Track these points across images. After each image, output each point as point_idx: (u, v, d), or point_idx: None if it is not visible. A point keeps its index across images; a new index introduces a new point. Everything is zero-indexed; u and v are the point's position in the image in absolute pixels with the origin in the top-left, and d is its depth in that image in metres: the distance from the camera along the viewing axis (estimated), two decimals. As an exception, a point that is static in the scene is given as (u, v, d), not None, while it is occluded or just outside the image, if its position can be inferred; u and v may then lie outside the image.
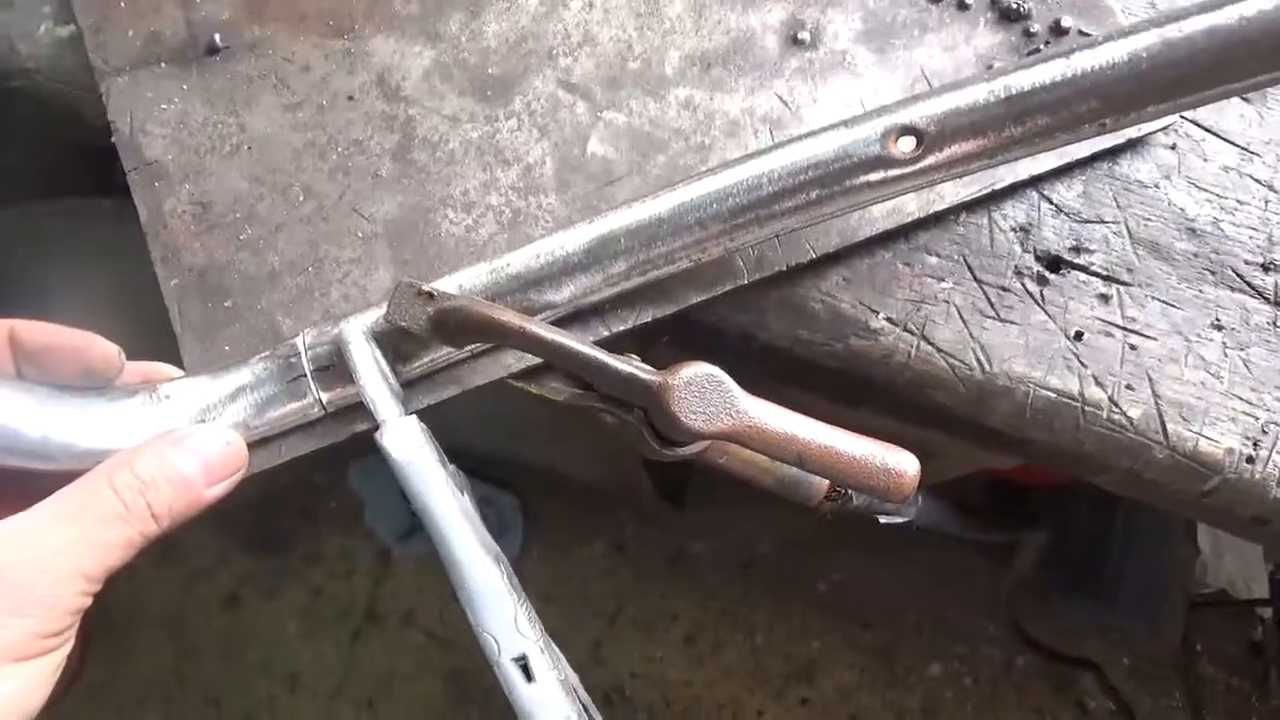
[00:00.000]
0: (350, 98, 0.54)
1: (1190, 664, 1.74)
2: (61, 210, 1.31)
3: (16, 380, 0.43)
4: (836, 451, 0.45)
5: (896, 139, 0.47)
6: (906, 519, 0.54)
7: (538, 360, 0.51)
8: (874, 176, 0.47)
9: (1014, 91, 0.44)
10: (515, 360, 0.51)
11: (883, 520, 0.54)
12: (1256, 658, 1.70)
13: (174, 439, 0.44)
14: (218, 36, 0.54)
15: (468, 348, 0.50)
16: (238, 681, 1.80)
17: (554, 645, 0.48)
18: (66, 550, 0.39)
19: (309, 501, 1.84)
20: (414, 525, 1.79)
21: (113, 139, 0.52)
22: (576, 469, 1.67)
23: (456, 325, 0.46)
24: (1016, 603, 1.46)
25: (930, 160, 0.46)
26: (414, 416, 0.46)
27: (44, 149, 1.35)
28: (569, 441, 1.55)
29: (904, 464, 0.45)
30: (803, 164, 0.48)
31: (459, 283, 0.49)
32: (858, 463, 0.45)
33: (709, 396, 0.45)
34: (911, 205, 0.52)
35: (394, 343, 0.48)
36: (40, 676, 0.39)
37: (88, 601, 0.40)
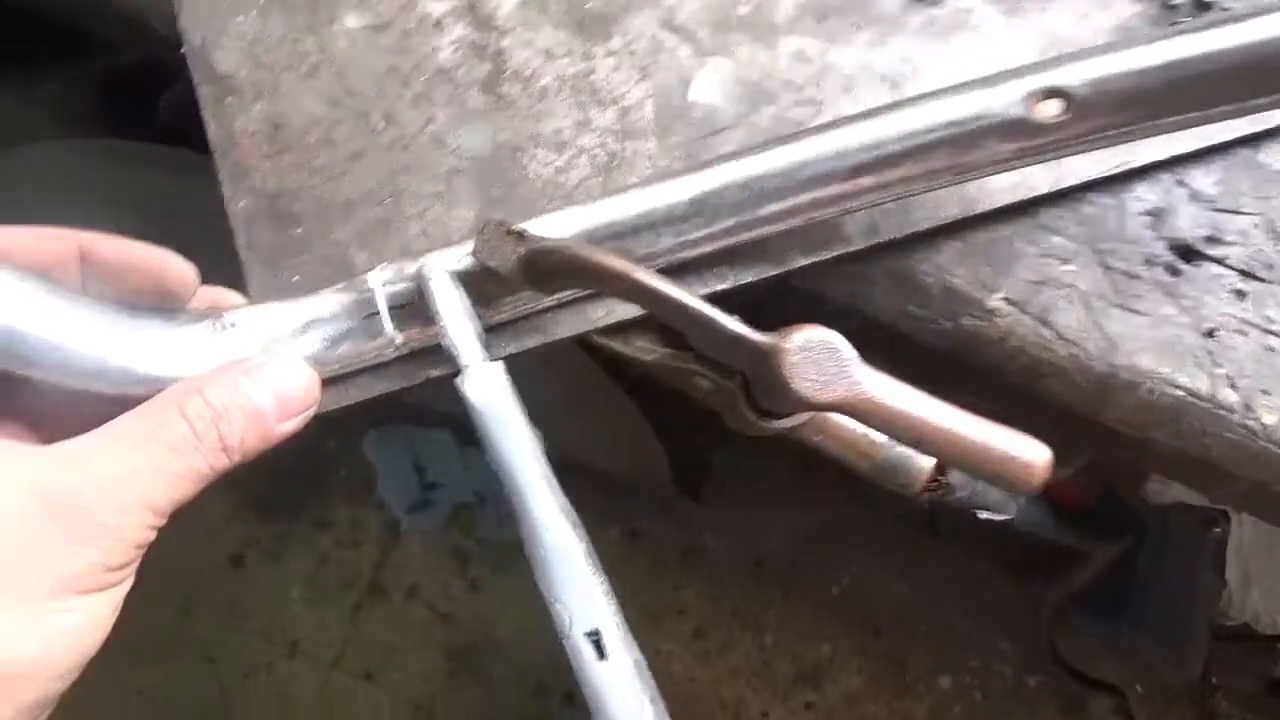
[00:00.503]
0: (438, 23, 0.50)
1: (1206, 697, 1.70)
2: (92, 150, 1.28)
3: (78, 295, 0.40)
4: (960, 435, 0.41)
5: (1040, 101, 0.43)
6: (1008, 517, 0.50)
7: (627, 315, 0.48)
8: (1012, 141, 0.43)
9: (1182, 57, 0.41)
10: (603, 313, 0.47)
11: (982, 516, 0.51)
12: (1275, 696, 1.67)
13: (247, 367, 0.40)
14: (302, -53, 0.50)
15: (554, 296, 0.46)
16: (237, 643, 1.77)
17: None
18: (132, 478, 0.36)
19: (320, 468, 1.81)
20: (425, 499, 1.77)
21: (182, 50, 0.49)
22: (594, 454, 1.64)
23: (550, 268, 0.43)
24: (1056, 616, 1.43)
25: (1077, 128, 0.43)
26: (500, 363, 0.42)
27: (80, 83, 1.31)
28: (588, 425, 1.52)
29: (1035, 453, 0.41)
30: (934, 123, 0.44)
31: (548, 226, 0.45)
32: (983, 449, 0.41)
33: (824, 364, 0.41)
34: (1039, 179, 0.48)
35: (476, 284, 0.45)
36: (102, 613, 0.35)
37: (152, 536, 0.36)
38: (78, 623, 0.35)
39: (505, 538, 1.76)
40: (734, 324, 0.42)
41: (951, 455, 0.41)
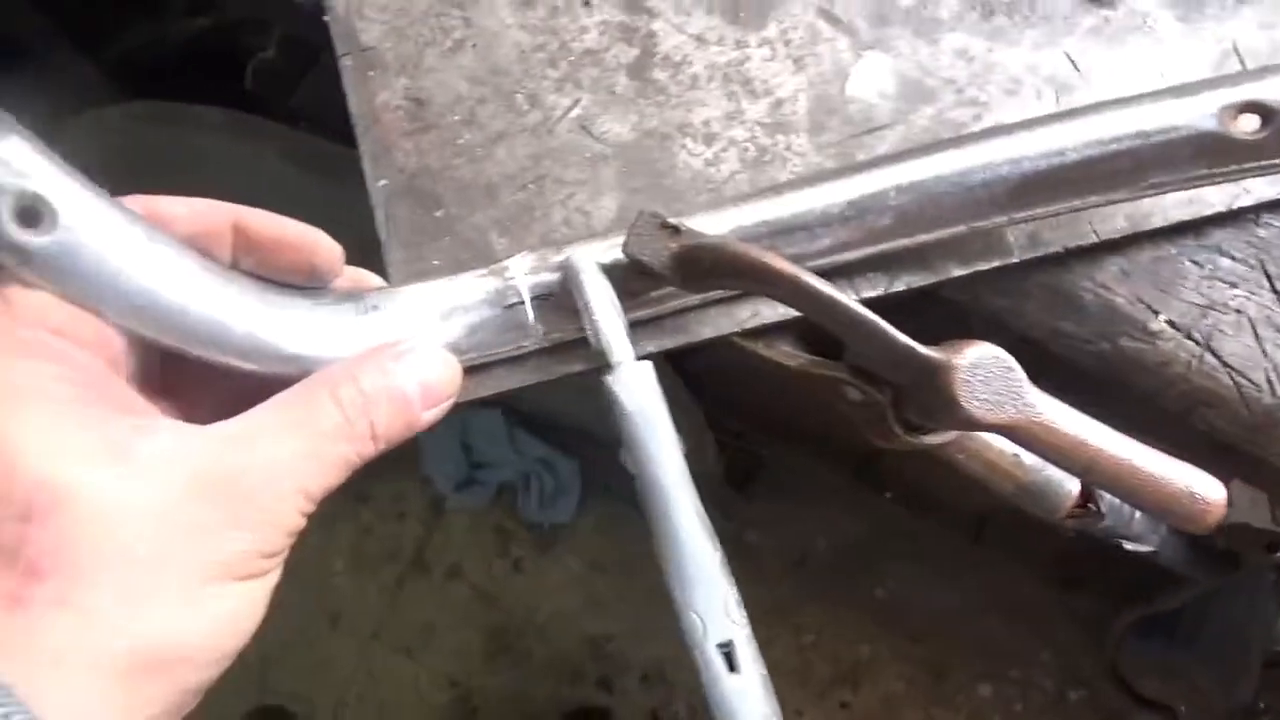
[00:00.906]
0: (587, 3, 0.48)
1: (1253, 722, 1.67)
2: (169, 116, 1.27)
3: (229, 272, 0.38)
4: (1133, 466, 0.39)
5: (1237, 115, 0.41)
6: (1151, 549, 0.48)
7: (773, 318, 0.46)
8: (1202, 157, 0.41)
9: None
10: (749, 314, 0.45)
11: (1128, 547, 0.49)
12: (1325, 726, 1.63)
13: (395, 354, 0.39)
14: (449, -82, 0.48)
15: (701, 295, 0.44)
16: (277, 612, 1.78)
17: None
18: (290, 463, 0.35)
19: (366, 440, 1.80)
20: (470, 478, 1.76)
21: (325, 18, 0.47)
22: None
23: (706, 266, 0.41)
24: (1123, 633, 1.40)
25: (1276, 147, 0.40)
26: (649, 362, 0.41)
27: (165, 48, 1.30)
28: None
29: (1211, 490, 0.39)
30: (1118, 133, 0.41)
31: (700, 221, 0.43)
32: (1157, 482, 0.39)
33: (996, 384, 0.39)
34: (1212, 196, 0.46)
35: (621, 278, 0.43)
36: (256, 600, 0.34)
37: (303, 524, 0.35)
38: (233, 609, 0.34)
39: (549, 520, 1.76)
40: (901, 336, 0.40)
41: (1123, 487, 0.39)
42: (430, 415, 0.40)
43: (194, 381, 0.39)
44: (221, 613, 0.33)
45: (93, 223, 0.34)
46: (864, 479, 1.65)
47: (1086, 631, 1.66)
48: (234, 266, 0.39)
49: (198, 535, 0.33)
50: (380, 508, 1.79)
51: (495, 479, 1.75)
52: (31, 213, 0.33)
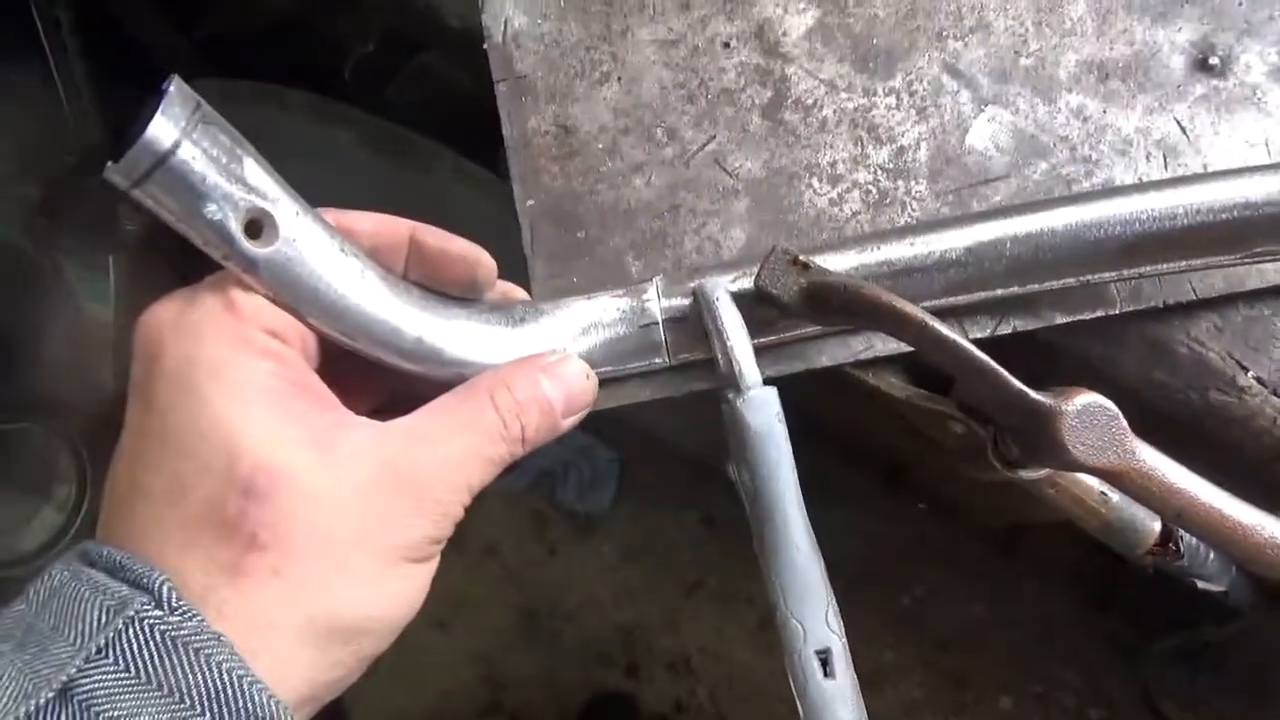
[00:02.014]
0: (727, 44, 0.51)
1: (1271, 754, 1.69)
2: (255, 95, 1.30)
3: (403, 282, 0.42)
4: (1223, 515, 0.42)
5: (1343, 195, 0.43)
6: (1223, 589, 0.52)
7: (885, 350, 0.49)
8: (1307, 231, 0.44)
9: None
10: (863, 347, 0.49)
11: (1200, 586, 0.52)
12: (1344, 761, 1.65)
13: (544, 365, 0.43)
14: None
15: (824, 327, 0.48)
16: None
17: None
18: (461, 460, 0.39)
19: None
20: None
21: (484, 45, 0.51)
22: (680, 436, 1.66)
23: (832, 302, 0.44)
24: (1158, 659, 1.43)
25: (1377, 224, 0.43)
26: (774, 388, 0.44)
27: (253, 25, 1.34)
28: (675, 408, 1.54)
29: (1294, 541, 0.42)
30: (1227, 202, 0.44)
31: (825, 258, 0.46)
32: (1245, 531, 0.42)
33: (1100, 430, 0.42)
34: (1309, 264, 0.48)
35: (747, 307, 0.46)
36: (424, 581, 0.39)
37: (462, 514, 0.40)
38: (407, 588, 0.38)
39: (586, 508, 1.80)
40: (1013, 380, 0.43)
41: (1213, 535, 0.43)
42: (569, 422, 0.44)
43: (356, 376, 0.43)
44: (399, 590, 0.38)
45: (304, 235, 0.38)
46: (896, 487, 1.68)
47: (1112, 652, 1.68)
48: (405, 276, 0.43)
49: (387, 521, 0.37)
50: (422, 484, 1.84)
51: (535, 465, 1.79)
52: (257, 225, 0.37)
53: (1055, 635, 1.70)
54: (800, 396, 0.46)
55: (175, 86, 0.34)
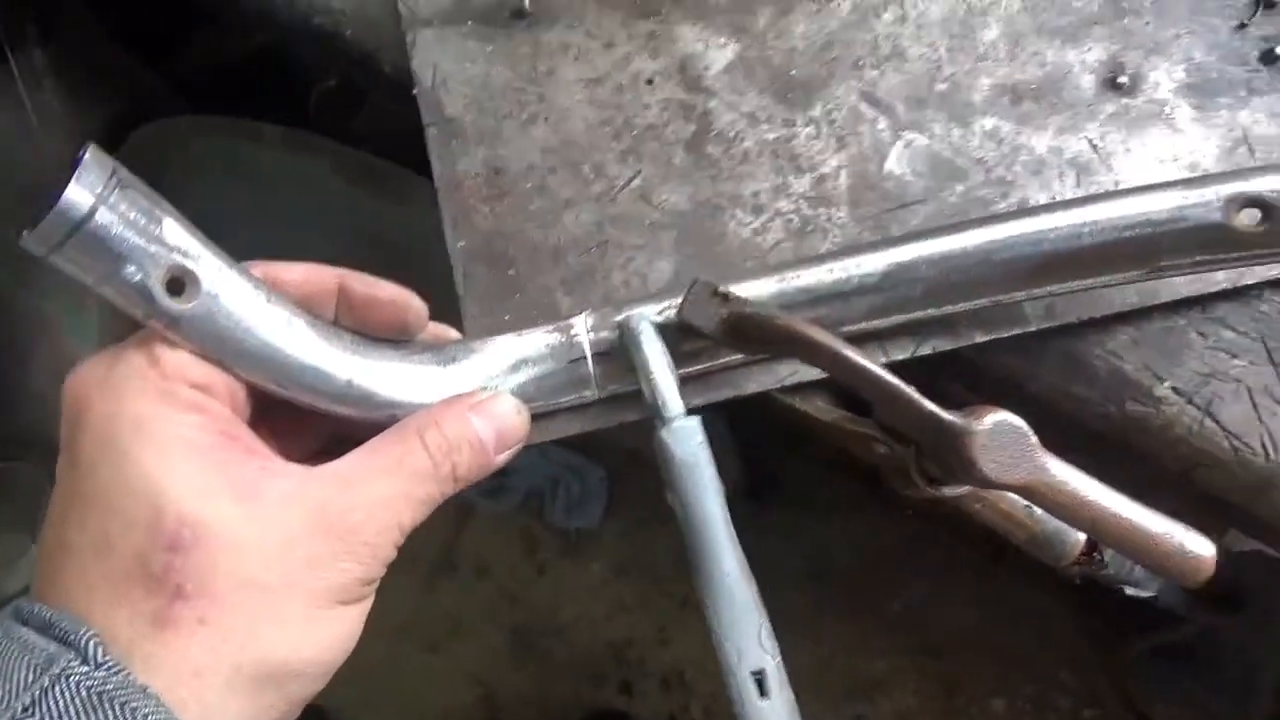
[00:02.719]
0: (650, 81, 0.53)
1: (1264, 749, 1.69)
2: (229, 129, 1.32)
3: (332, 327, 0.44)
4: (1133, 525, 0.43)
5: (1240, 209, 0.45)
6: (1151, 594, 0.53)
7: (810, 376, 0.50)
8: (1207, 246, 0.45)
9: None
10: (789, 373, 0.50)
11: (1129, 592, 0.53)
12: (1336, 754, 1.65)
13: (473, 403, 0.44)
14: (526, 2, 0.53)
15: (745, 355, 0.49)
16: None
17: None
18: (389, 501, 0.40)
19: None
20: (499, 483, 1.81)
21: (414, 91, 0.52)
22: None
23: (753, 332, 0.46)
24: (1133, 661, 1.43)
25: (1273, 239, 0.44)
26: (698, 417, 0.45)
27: (223, 62, 1.36)
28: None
29: (1202, 548, 0.43)
30: (1130, 219, 0.46)
31: (748, 288, 0.48)
32: (1154, 540, 0.43)
33: (1010, 447, 0.43)
34: (1219, 274, 0.50)
35: (674, 338, 0.48)
36: (356, 623, 0.40)
37: (394, 555, 0.41)
38: (338, 630, 0.39)
39: (575, 526, 1.81)
40: (926, 402, 0.44)
41: (1123, 544, 0.44)
42: (502, 458, 0.45)
43: (293, 422, 0.45)
44: (330, 633, 0.39)
45: (227, 289, 0.40)
46: (884, 495, 1.69)
47: (1104, 652, 1.69)
48: (336, 322, 0.45)
49: (315, 566, 0.38)
50: (412, 509, 1.85)
51: (524, 485, 1.80)
52: (178, 283, 0.38)
53: (1047, 637, 1.71)
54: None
55: (90, 153, 0.36)
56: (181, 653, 0.35)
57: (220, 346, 0.40)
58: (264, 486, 0.38)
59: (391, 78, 0.54)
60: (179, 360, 0.39)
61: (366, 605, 0.40)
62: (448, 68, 0.52)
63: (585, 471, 1.80)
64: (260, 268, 0.42)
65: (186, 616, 0.35)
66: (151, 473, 0.36)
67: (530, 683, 1.79)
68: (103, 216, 0.36)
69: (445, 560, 1.85)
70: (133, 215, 0.37)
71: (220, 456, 0.38)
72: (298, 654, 0.37)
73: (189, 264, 0.38)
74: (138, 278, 0.37)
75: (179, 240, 0.38)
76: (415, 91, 0.52)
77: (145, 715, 0.33)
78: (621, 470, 1.81)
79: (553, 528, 1.83)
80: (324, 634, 0.38)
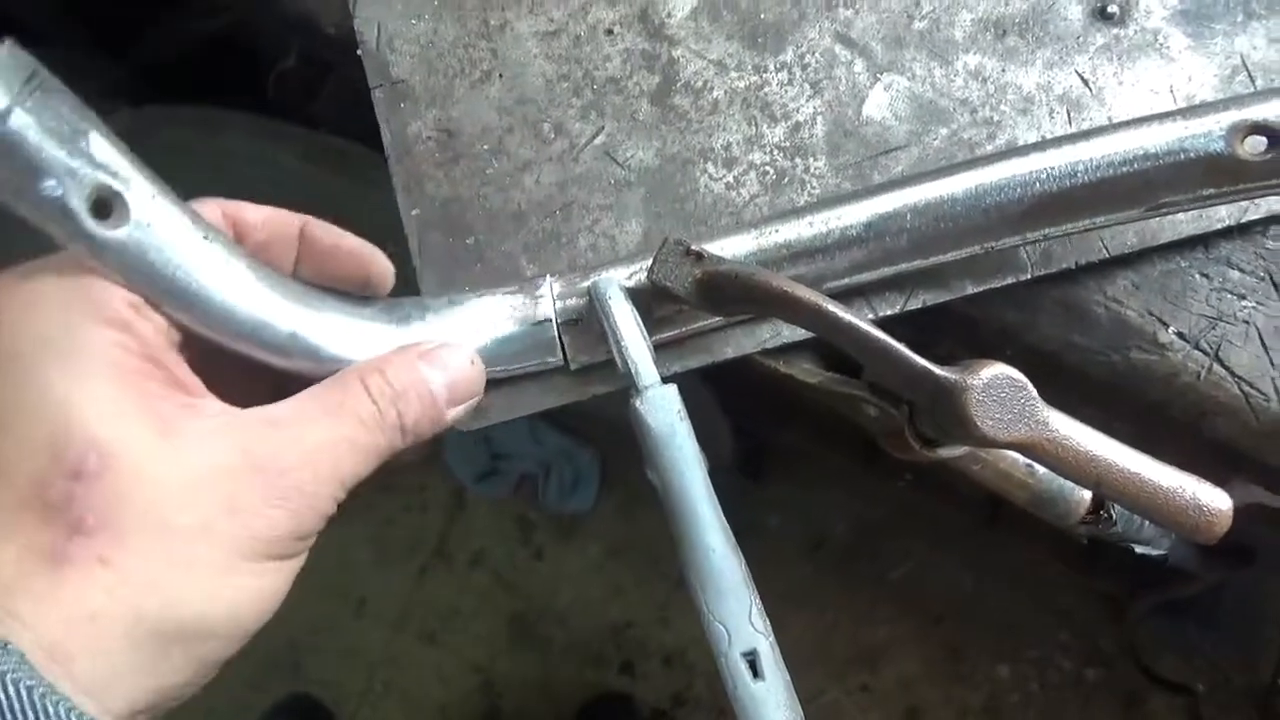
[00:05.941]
0: (610, 31, 0.49)
1: (1271, 697, 1.69)
2: (193, 118, 1.29)
3: (279, 275, 0.40)
4: (1142, 479, 0.41)
5: (1244, 137, 0.42)
6: (1162, 553, 0.50)
7: (793, 337, 0.47)
8: (1210, 178, 0.42)
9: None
10: (769, 335, 0.47)
11: (1139, 550, 0.50)
12: (1342, 700, 1.64)
13: (422, 351, 0.40)
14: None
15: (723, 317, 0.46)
16: (305, 601, 1.82)
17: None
18: (328, 447, 0.36)
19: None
20: (491, 469, 1.78)
21: (358, 51, 0.49)
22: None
23: (728, 292, 0.43)
24: (1139, 619, 1.42)
25: (1282, 166, 0.41)
26: (674, 385, 0.42)
27: (184, 48, 1.32)
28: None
29: (1218, 501, 0.41)
30: (1127, 154, 0.43)
31: (723, 246, 0.45)
32: (1165, 495, 0.41)
33: (1009, 402, 0.41)
34: (1222, 211, 0.47)
35: (646, 302, 0.45)
36: (282, 581, 0.35)
37: (333, 510, 0.36)
38: (261, 587, 0.34)
39: (569, 509, 1.78)
40: (917, 358, 0.41)
41: (1133, 500, 0.41)
42: (455, 413, 0.41)
43: (240, 373, 0.40)
44: (251, 589, 0.34)
45: (160, 219, 0.36)
46: (877, 464, 1.67)
47: (1105, 611, 1.68)
48: (296, 272, 0.41)
49: (237, 512, 0.33)
50: (403, 499, 1.82)
51: (516, 470, 1.78)
52: (105, 205, 0.34)
53: (1047, 599, 1.70)
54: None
55: (7, 50, 0.31)
56: (76, 594, 0.30)
57: (149, 281, 0.36)
58: (187, 421, 0.34)
59: (336, 39, 0.50)
60: None
61: (297, 563, 0.36)
62: (393, 25, 0.49)
63: (576, 454, 1.78)
64: (222, 205, 0.39)
65: (85, 554, 0.31)
66: (59, 390, 0.32)
67: (531, 668, 1.78)
68: (17, 120, 0.32)
69: (440, 550, 1.83)
70: (54, 124, 0.33)
71: (141, 383, 0.34)
72: (210, 608, 0.33)
73: (117, 185, 0.34)
74: (58, 193, 0.33)
75: (107, 158, 0.34)
76: (360, 52, 0.48)
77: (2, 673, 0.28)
78: (613, 451, 1.79)
79: (547, 512, 1.81)
80: (242, 589, 0.34)
